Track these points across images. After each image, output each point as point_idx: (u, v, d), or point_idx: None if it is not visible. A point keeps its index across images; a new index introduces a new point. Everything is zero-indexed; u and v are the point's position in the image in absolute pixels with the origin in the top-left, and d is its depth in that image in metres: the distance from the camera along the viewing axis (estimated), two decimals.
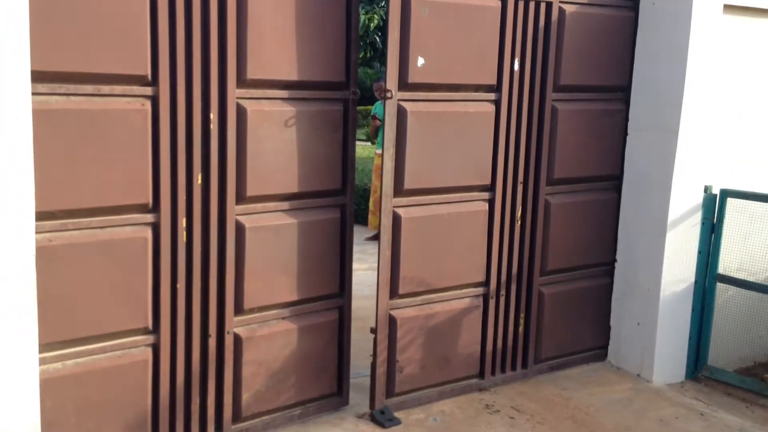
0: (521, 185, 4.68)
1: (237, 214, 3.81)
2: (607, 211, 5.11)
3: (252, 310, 3.94)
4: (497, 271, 4.67)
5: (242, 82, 3.73)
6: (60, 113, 3.31)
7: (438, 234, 4.41)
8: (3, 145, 3.01)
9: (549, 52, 4.63)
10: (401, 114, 4.19)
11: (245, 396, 3.97)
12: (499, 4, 4.41)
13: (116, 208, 3.49)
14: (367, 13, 20.46)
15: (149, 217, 3.58)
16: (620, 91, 5.02)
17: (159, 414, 3.72)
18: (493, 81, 4.47)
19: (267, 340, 4.00)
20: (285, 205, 3.97)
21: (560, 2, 4.63)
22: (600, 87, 4.91)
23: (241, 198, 3.81)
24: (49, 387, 3.38)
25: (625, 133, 5.07)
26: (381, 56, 16.16)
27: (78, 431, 3.52)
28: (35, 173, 3.14)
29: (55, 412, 3.43)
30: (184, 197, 3.64)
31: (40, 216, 3.26)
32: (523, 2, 4.50)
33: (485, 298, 4.66)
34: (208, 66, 3.62)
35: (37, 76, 3.18)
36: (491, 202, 4.58)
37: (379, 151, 7.30)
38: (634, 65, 5.00)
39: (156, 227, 3.59)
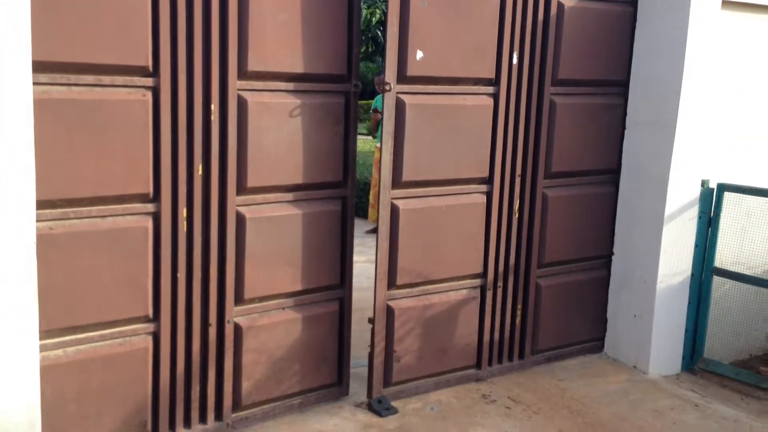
0: (519, 178, 4.71)
1: (237, 205, 3.84)
2: (605, 204, 5.14)
3: (252, 300, 3.97)
4: (495, 263, 4.70)
5: (243, 74, 3.76)
6: (61, 103, 3.34)
7: (436, 226, 4.44)
8: (3, 134, 3.03)
9: (548, 46, 4.65)
10: (400, 106, 4.22)
11: (245, 385, 4.01)
12: None
13: (117, 197, 3.52)
14: (369, 7, 20.49)
15: (150, 207, 3.61)
16: (618, 86, 5.05)
17: (159, 402, 3.76)
18: (492, 74, 4.50)
19: (267, 329, 4.04)
20: (286, 196, 4.00)
21: None
22: (598, 81, 4.94)
23: (241, 189, 3.84)
24: (49, 374, 3.41)
25: (623, 128, 5.09)
26: (383, 51, 16.15)
27: (78, 418, 3.55)
28: (36, 162, 3.16)
29: (56, 398, 3.46)
30: (185, 188, 3.67)
31: (41, 204, 3.29)
32: None
33: (482, 289, 4.69)
34: (209, 58, 3.65)
35: (39, 66, 3.21)
36: (489, 195, 4.61)
37: (379, 145, 7.34)
38: (633, 60, 5.02)
39: (157, 217, 3.62)
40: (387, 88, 4.13)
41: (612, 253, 5.22)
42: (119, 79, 3.46)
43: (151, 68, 3.51)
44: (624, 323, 5.17)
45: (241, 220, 3.85)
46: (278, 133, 3.90)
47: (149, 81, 3.52)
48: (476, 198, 4.58)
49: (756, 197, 4.87)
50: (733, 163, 5.10)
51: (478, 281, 4.67)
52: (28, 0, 3.06)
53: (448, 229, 4.48)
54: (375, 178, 8.13)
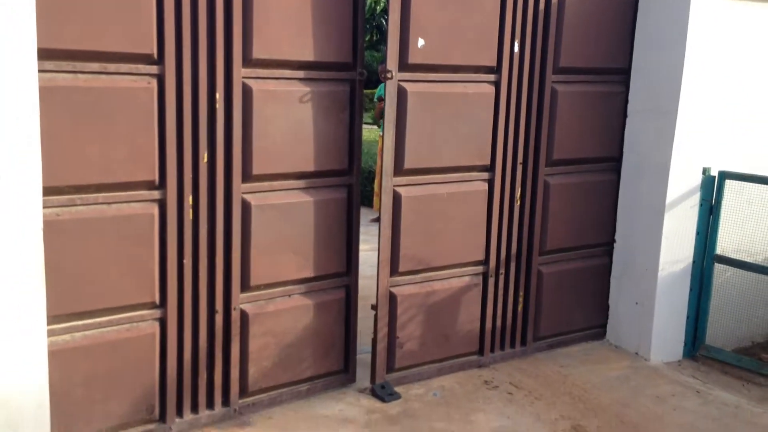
0: (521, 166, 4.79)
1: (243, 192, 3.92)
2: (606, 192, 5.22)
3: (258, 287, 4.06)
4: (496, 250, 4.78)
5: (248, 61, 3.83)
6: (67, 90, 3.42)
7: (438, 213, 4.52)
8: (10, 122, 3.11)
9: (549, 34, 4.73)
10: (401, 94, 4.30)
11: (252, 371, 4.10)
12: None
13: (123, 184, 3.61)
14: None
15: (156, 194, 3.69)
16: (620, 74, 5.12)
17: (166, 387, 3.85)
18: (493, 62, 4.58)
19: (274, 316, 4.13)
20: (291, 184, 4.08)
21: None
22: (600, 69, 5.02)
23: (247, 176, 3.92)
24: (57, 358, 3.50)
25: (625, 115, 5.17)
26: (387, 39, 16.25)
27: (86, 402, 3.65)
28: (43, 149, 3.25)
29: (64, 383, 3.55)
30: (191, 175, 3.75)
31: (48, 191, 3.38)
32: None
33: (484, 276, 4.78)
34: (214, 46, 3.73)
35: (44, 54, 3.28)
36: (491, 182, 4.69)
37: (382, 134, 7.42)
38: (634, 47, 5.10)
39: (162, 204, 3.71)
40: (388, 75, 4.21)
41: (614, 241, 5.30)
42: (124, 67, 3.54)
43: (156, 56, 3.59)
44: (626, 310, 5.25)
45: (246, 207, 3.93)
46: (283, 121, 3.98)
47: (154, 69, 3.60)
48: (478, 185, 4.66)
49: (757, 185, 4.94)
50: (734, 150, 5.16)
51: (480, 268, 4.76)
52: None
53: (450, 216, 4.57)
54: (379, 166, 8.21)
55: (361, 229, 4.52)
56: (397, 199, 4.38)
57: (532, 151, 4.82)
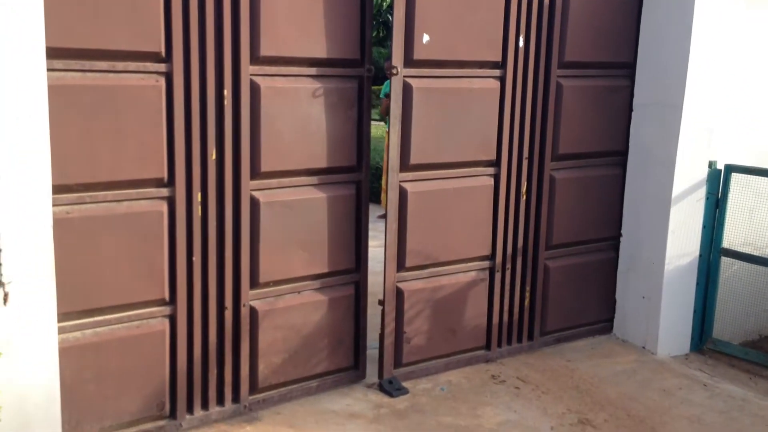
0: (526, 160, 4.85)
1: (252, 189, 3.98)
2: (612, 186, 5.27)
3: (267, 284, 4.12)
4: (503, 245, 4.85)
5: (256, 59, 3.89)
6: (76, 89, 3.48)
7: (444, 208, 4.59)
8: (20, 121, 3.18)
9: (554, 28, 4.79)
10: (407, 90, 4.36)
11: (261, 368, 4.16)
12: None
13: (132, 182, 3.67)
14: None
15: (164, 192, 3.76)
16: (625, 68, 5.18)
17: (177, 384, 3.91)
18: (498, 57, 4.63)
19: (283, 313, 4.19)
20: (300, 180, 4.14)
21: None
22: (605, 63, 5.08)
23: (255, 173, 3.98)
24: (68, 355, 3.56)
25: (630, 109, 5.23)
26: None
27: (97, 399, 3.71)
28: (52, 148, 3.31)
29: (75, 380, 3.62)
30: (199, 172, 3.81)
31: (58, 189, 3.44)
32: None
33: (491, 271, 4.84)
34: (221, 43, 3.79)
35: (53, 53, 3.34)
36: (497, 177, 4.75)
37: (389, 130, 7.47)
38: (639, 41, 5.15)
39: (171, 201, 3.77)
40: (394, 71, 4.27)
41: (620, 235, 5.36)
42: (132, 65, 3.61)
43: (163, 54, 3.66)
44: (632, 304, 5.31)
45: (255, 204, 3.99)
46: (291, 117, 4.03)
47: (162, 66, 3.67)
48: (484, 180, 4.72)
49: (764, 178, 4.98)
50: (741, 143, 5.22)
51: (486, 263, 4.82)
52: None
53: (456, 211, 4.63)
54: (386, 163, 8.25)
55: (369, 226, 4.58)
56: (403, 194, 4.44)
57: (538, 146, 4.88)
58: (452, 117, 4.52)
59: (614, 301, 5.44)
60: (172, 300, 3.85)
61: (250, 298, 4.07)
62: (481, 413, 4.30)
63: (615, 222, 5.34)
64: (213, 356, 4.00)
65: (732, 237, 5.15)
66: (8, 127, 3.15)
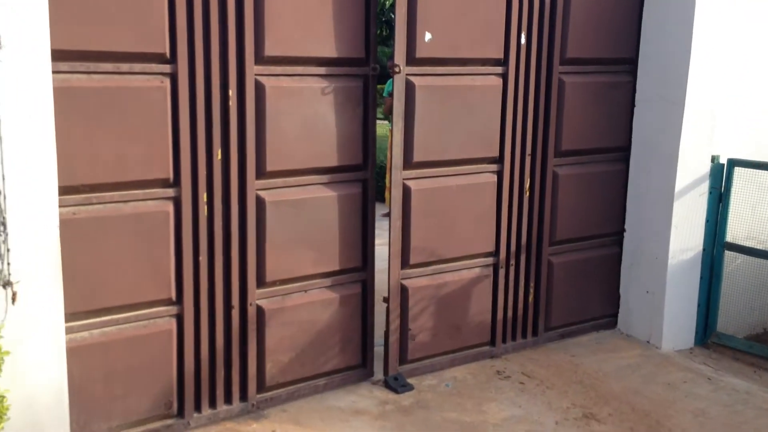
0: (529, 157, 4.91)
1: (257, 189, 4.04)
2: (615, 181, 5.33)
3: (274, 283, 4.18)
4: (506, 242, 4.91)
5: (260, 59, 3.95)
6: (81, 91, 3.54)
7: (448, 205, 4.65)
8: (25, 122, 3.24)
9: (555, 25, 4.85)
10: (410, 88, 4.42)
11: (269, 366, 4.23)
12: None
13: (138, 182, 3.73)
14: None
15: (170, 192, 3.82)
16: (627, 63, 5.24)
17: (184, 383, 3.98)
18: (500, 55, 4.69)
19: (290, 312, 4.25)
20: (306, 179, 4.19)
21: None
22: (607, 59, 5.14)
23: (261, 173, 4.03)
24: (76, 355, 3.62)
25: (632, 105, 5.29)
26: None
27: (105, 398, 3.78)
28: (58, 149, 3.36)
29: (83, 379, 3.68)
30: (205, 172, 3.87)
31: (64, 190, 3.50)
32: None
33: (495, 267, 4.91)
34: (226, 43, 3.84)
35: (58, 55, 3.40)
36: (500, 174, 4.81)
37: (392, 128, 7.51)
38: (641, 37, 5.21)
39: (177, 201, 3.83)
40: (396, 70, 4.32)
41: (623, 230, 5.41)
42: (137, 66, 3.66)
43: (168, 55, 3.71)
44: (636, 299, 5.37)
45: (261, 203, 4.05)
46: (297, 117, 4.09)
47: (167, 67, 3.72)
48: (487, 177, 4.78)
49: (766, 171, 5.03)
50: (745, 137, 5.28)
51: (490, 259, 4.88)
52: None
53: (459, 208, 4.69)
54: (389, 161, 8.30)
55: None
56: (406, 192, 4.50)
57: (541, 142, 4.94)
58: (455, 114, 4.57)
59: (618, 296, 5.50)
60: (179, 299, 3.91)
61: (257, 297, 4.13)
62: (486, 409, 4.37)
63: (618, 217, 5.40)
64: (220, 355, 4.06)
65: (735, 231, 5.21)
66: (15, 130, 3.21)
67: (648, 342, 5.30)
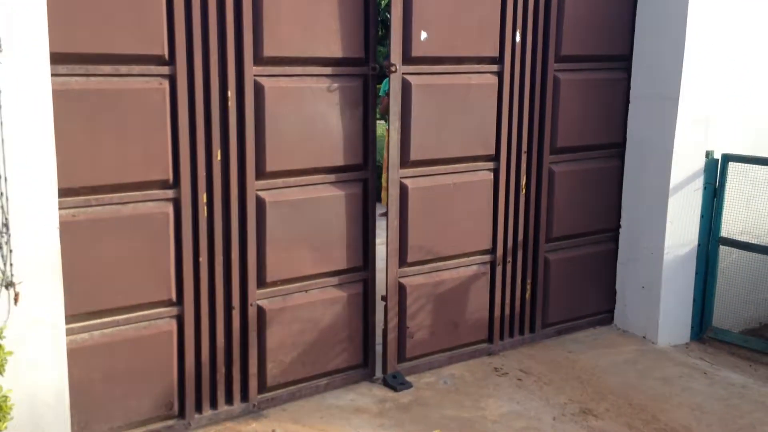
0: (525, 154, 5.00)
1: (257, 189, 4.11)
2: (611, 178, 5.44)
3: (275, 283, 4.25)
4: (503, 239, 5.00)
5: (259, 59, 4.02)
6: (80, 93, 3.60)
7: (444, 203, 4.74)
8: (25, 125, 3.30)
9: (550, 23, 4.94)
10: (406, 87, 4.50)
11: (270, 366, 4.30)
12: None
13: (138, 184, 3.80)
14: None
15: (170, 193, 3.88)
16: (622, 60, 5.34)
17: (185, 383, 4.04)
18: (496, 53, 4.78)
19: (291, 312, 4.33)
20: (306, 179, 4.26)
21: None
22: (601, 56, 5.23)
23: (261, 173, 4.10)
24: (76, 356, 3.69)
25: (627, 102, 5.38)
26: None
27: (106, 399, 3.84)
28: (58, 152, 3.43)
29: (83, 380, 3.74)
30: (204, 173, 3.94)
31: (64, 192, 3.56)
32: None
33: (492, 265, 5.00)
34: (224, 45, 3.91)
35: (57, 58, 3.46)
36: (496, 172, 4.90)
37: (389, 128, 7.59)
38: (635, 34, 5.30)
39: (177, 203, 3.90)
40: (392, 69, 4.40)
41: (619, 226, 5.52)
42: (136, 68, 3.73)
43: (167, 57, 3.78)
44: (632, 295, 5.48)
45: (261, 204, 4.12)
46: (296, 117, 4.16)
47: (165, 69, 3.79)
48: (483, 175, 4.87)
49: (761, 166, 5.14)
50: (741, 132, 5.39)
51: (487, 257, 4.98)
52: None
53: (456, 206, 4.78)
54: (386, 160, 8.37)
55: None
56: (404, 190, 4.59)
57: (537, 140, 5.03)
58: (451, 113, 4.66)
59: (614, 292, 5.60)
60: (180, 300, 3.98)
61: (258, 297, 4.20)
62: (484, 405, 4.46)
63: (614, 213, 5.50)
64: (221, 356, 4.13)
65: (730, 226, 5.32)
66: (16, 132, 3.27)
67: (644, 337, 5.41)
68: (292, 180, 4.22)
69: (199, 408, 4.11)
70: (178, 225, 3.91)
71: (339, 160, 4.35)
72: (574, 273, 5.39)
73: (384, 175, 8.54)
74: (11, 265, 3.32)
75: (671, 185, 5.16)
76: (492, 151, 4.86)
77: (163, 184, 3.86)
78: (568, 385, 4.72)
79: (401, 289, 4.68)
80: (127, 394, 3.90)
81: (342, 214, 4.40)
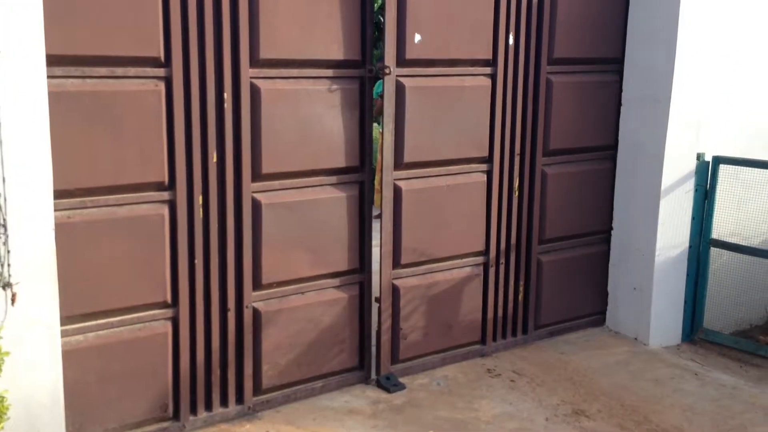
0: (518, 156, 5.08)
1: (253, 192, 4.16)
2: (603, 180, 5.53)
3: (270, 285, 4.31)
4: (496, 241, 5.09)
5: (255, 61, 4.07)
6: (76, 95, 3.65)
7: (438, 205, 4.82)
8: (21, 128, 3.36)
9: (543, 25, 5.03)
10: (400, 90, 4.58)
11: (265, 369, 4.36)
12: None
13: (133, 186, 3.85)
14: None
15: (166, 195, 3.93)
16: (614, 63, 5.43)
17: (180, 385, 4.09)
18: (489, 55, 4.86)
19: (286, 314, 4.38)
20: (302, 182, 4.32)
21: None
22: (594, 59, 5.33)
23: (256, 175, 4.16)
24: (71, 358, 3.73)
25: (619, 104, 5.48)
26: None
27: (100, 401, 3.89)
28: (53, 153, 3.48)
29: (78, 382, 3.78)
30: (200, 175, 3.99)
31: (59, 194, 3.61)
32: None
33: (485, 266, 5.09)
34: (220, 47, 3.96)
35: (53, 60, 3.50)
36: (489, 174, 4.99)
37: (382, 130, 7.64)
38: (627, 37, 5.40)
39: (173, 204, 3.95)
40: (386, 71, 4.47)
41: (611, 228, 5.62)
42: (132, 71, 3.78)
43: (163, 59, 3.83)
44: (624, 296, 5.57)
45: (257, 206, 4.18)
46: (293, 119, 4.22)
47: (161, 71, 3.84)
48: (477, 177, 4.95)
49: (751, 168, 5.25)
50: (733, 135, 5.49)
51: (480, 258, 5.06)
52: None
53: (450, 208, 4.86)
54: (380, 163, 8.42)
55: None
56: (397, 192, 4.66)
57: (529, 142, 5.12)
58: (445, 115, 4.74)
59: (606, 294, 5.70)
60: (175, 302, 4.03)
61: (253, 299, 4.26)
62: (477, 406, 4.54)
63: (606, 215, 5.60)
64: (216, 358, 4.18)
65: (721, 228, 5.42)
66: (13, 134, 3.33)
67: (636, 339, 5.50)
68: (288, 182, 4.27)
69: (194, 410, 4.16)
70: (174, 227, 3.96)
71: (335, 163, 4.41)
72: (567, 274, 5.48)
73: (377, 177, 8.61)
74: (9, 265, 3.37)
75: (663, 187, 5.26)
76: (485, 153, 4.95)
77: (158, 186, 3.91)
78: (561, 387, 4.81)
79: (395, 291, 4.75)
80: (121, 395, 3.95)
81: (338, 216, 4.46)
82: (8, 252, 3.36)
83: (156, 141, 3.86)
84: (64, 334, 3.69)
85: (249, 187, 4.14)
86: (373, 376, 4.78)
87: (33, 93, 3.38)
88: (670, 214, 5.32)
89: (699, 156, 5.35)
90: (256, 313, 4.28)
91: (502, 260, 5.14)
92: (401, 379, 4.77)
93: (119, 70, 3.75)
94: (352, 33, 4.36)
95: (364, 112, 4.49)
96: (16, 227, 3.38)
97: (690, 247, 5.45)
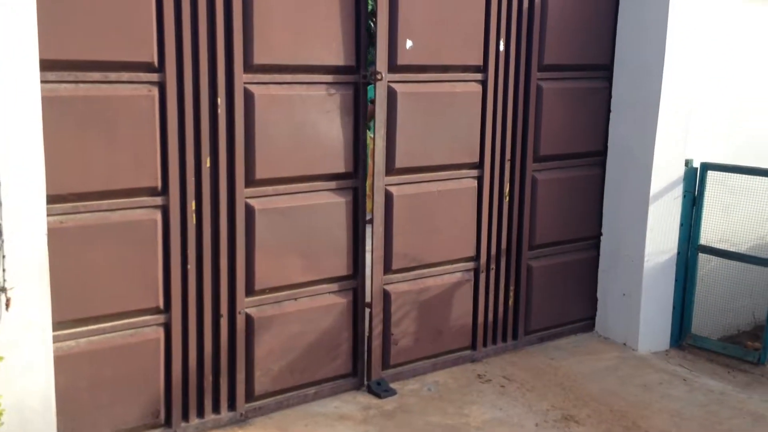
0: (509, 162, 5.17)
1: (246, 197, 4.22)
2: (592, 186, 5.64)
3: (263, 291, 4.36)
4: (487, 246, 5.17)
5: (249, 67, 4.13)
6: (69, 100, 3.69)
7: (429, 211, 4.90)
8: (14, 131, 3.40)
9: (533, 32, 5.12)
10: (391, 95, 4.65)
11: (258, 375, 4.41)
12: None
13: (126, 191, 3.89)
14: None
15: (159, 200, 3.98)
16: (603, 69, 5.54)
17: (172, 392, 4.13)
18: (480, 62, 4.95)
19: (279, 320, 4.43)
20: (296, 187, 4.37)
21: None
22: (583, 65, 5.43)
23: (250, 181, 4.22)
24: (62, 363, 3.76)
25: (609, 110, 5.58)
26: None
27: (92, 407, 3.92)
28: (46, 158, 3.52)
29: (69, 387, 3.81)
30: (193, 180, 4.04)
31: (52, 199, 3.64)
32: None
33: (476, 272, 5.17)
34: (214, 52, 4.02)
35: (46, 65, 3.54)
36: (480, 179, 5.07)
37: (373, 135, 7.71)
38: (616, 43, 5.50)
39: (165, 210, 4.00)
40: (378, 77, 4.55)
41: (600, 234, 5.72)
42: (125, 76, 3.82)
43: (156, 64, 3.88)
44: (613, 302, 5.68)
45: (250, 211, 4.23)
46: (286, 125, 4.28)
47: (155, 76, 3.89)
48: (467, 183, 5.04)
49: (739, 175, 5.37)
50: (722, 141, 5.61)
51: (471, 264, 5.15)
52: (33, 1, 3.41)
53: (441, 213, 4.94)
54: (371, 168, 8.48)
55: None
56: (389, 198, 4.74)
57: (520, 148, 5.21)
58: (436, 121, 4.82)
59: (596, 299, 5.80)
60: (167, 308, 4.08)
61: (246, 305, 4.31)
62: (468, 412, 4.62)
63: (595, 221, 5.70)
64: (208, 364, 4.22)
65: (709, 234, 5.53)
66: (5, 139, 3.37)
67: (625, 344, 5.61)
68: (281, 188, 4.33)
69: (185, 416, 4.20)
70: (167, 232, 4.01)
71: (329, 168, 4.48)
72: (557, 280, 5.58)
73: (368, 182, 8.67)
74: (4, 270, 3.41)
75: (651, 193, 5.36)
76: (476, 159, 5.03)
77: (151, 191, 3.96)
78: (551, 392, 4.90)
79: (386, 296, 4.82)
80: (113, 401, 3.98)
81: (332, 222, 4.52)
82: (3, 257, 3.41)
83: (149, 146, 3.91)
84: (56, 339, 3.73)
85: (242, 192, 4.19)
86: (364, 381, 4.84)
87: (26, 98, 3.42)
88: (658, 220, 5.43)
89: (687, 162, 5.47)
90: (249, 319, 4.33)
91: (493, 266, 5.22)
92: (392, 385, 4.84)
93: (113, 75, 3.79)
94: (346, 38, 4.42)
95: (358, 117, 4.55)
96: (9, 232, 3.42)
97: (678, 253, 5.56)
